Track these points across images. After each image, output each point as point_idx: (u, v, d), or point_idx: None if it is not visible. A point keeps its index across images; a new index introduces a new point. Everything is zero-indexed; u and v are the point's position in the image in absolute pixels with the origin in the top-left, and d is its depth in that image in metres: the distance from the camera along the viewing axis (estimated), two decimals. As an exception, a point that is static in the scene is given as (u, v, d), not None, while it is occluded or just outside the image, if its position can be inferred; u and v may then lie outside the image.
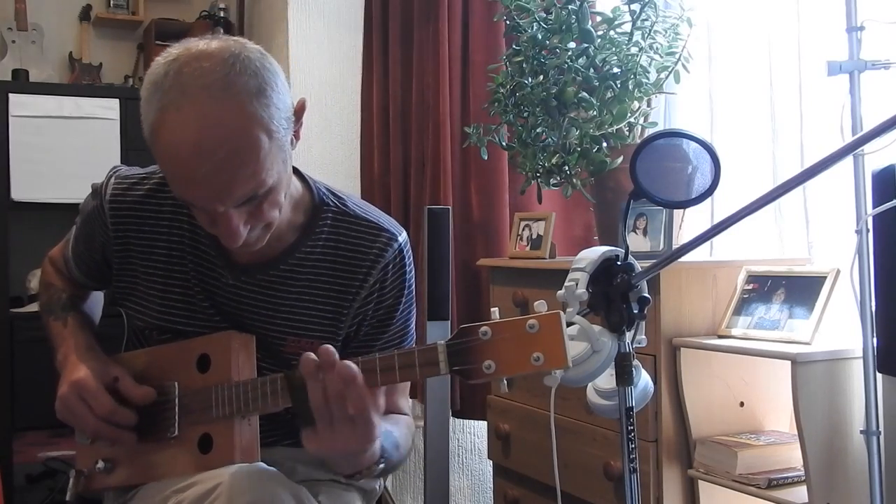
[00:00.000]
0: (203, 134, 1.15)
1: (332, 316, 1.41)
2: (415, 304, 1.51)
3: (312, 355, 1.16)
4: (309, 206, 1.42)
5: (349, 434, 1.16)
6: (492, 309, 1.19)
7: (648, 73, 2.03)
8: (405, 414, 1.51)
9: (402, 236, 1.46)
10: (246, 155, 1.17)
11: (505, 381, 1.17)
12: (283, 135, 1.22)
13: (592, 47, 2.03)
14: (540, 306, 1.13)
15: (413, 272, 1.48)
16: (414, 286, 1.49)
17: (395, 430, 1.40)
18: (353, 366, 1.15)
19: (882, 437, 1.66)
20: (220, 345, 1.35)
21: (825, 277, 1.81)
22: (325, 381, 1.15)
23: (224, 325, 1.39)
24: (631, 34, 2.02)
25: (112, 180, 1.44)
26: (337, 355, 1.16)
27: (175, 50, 1.21)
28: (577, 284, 1.15)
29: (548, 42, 2.07)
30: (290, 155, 1.26)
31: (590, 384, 1.21)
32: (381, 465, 1.27)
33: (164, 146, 1.17)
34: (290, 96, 1.25)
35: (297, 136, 1.27)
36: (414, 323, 1.51)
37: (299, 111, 1.27)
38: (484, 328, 1.14)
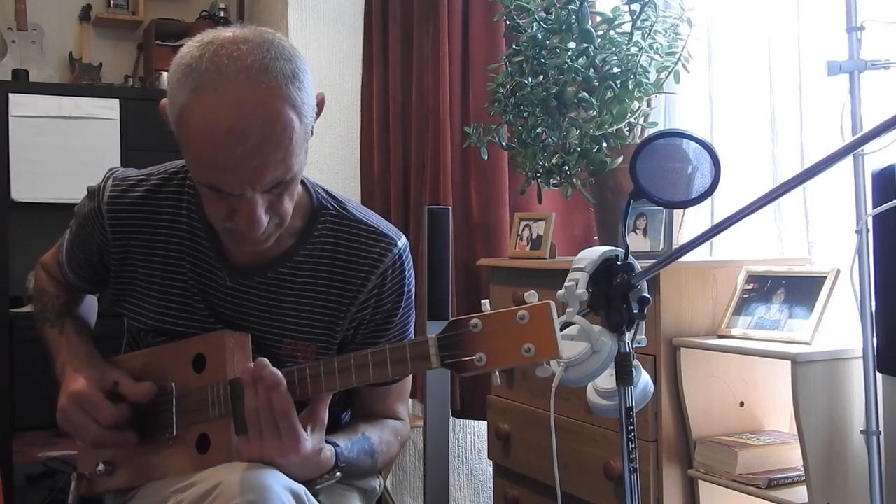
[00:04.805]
0: (241, 115, 1.14)
1: (328, 319, 1.41)
2: (414, 310, 1.50)
3: (253, 366, 1.23)
4: (308, 210, 1.41)
5: (276, 444, 1.21)
6: (482, 301, 1.19)
7: (648, 73, 2.03)
8: (400, 419, 1.51)
9: (402, 242, 1.45)
10: (280, 138, 1.16)
11: (498, 374, 1.17)
12: (309, 122, 1.22)
13: (592, 47, 2.03)
14: (531, 297, 1.13)
15: (413, 278, 1.48)
16: (413, 292, 1.48)
17: (375, 435, 1.42)
18: (278, 373, 1.21)
19: (882, 437, 1.66)
20: (215, 344, 1.35)
21: (825, 277, 1.81)
22: (257, 390, 1.21)
23: (220, 328, 1.38)
24: (631, 34, 2.02)
25: (109, 182, 1.43)
26: (269, 367, 1.22)
27: (207, 35, 1.20)
28: (577, 284, 1.14)
29: (548, 42, 2.07)
30: (308, 146, 1.25)
31: (590, 384, 1.20)
32: (338, 474, 1.30)
33: (198, 127, 1.16)
34: (313, 87, 1.24)
35: (312, 130, 1.26)
36: (413, 329, 1.51)
37: (320, 104, 1.27)
38: (474, 320, 1.14)
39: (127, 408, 1.36)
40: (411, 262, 1.48)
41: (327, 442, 1.29)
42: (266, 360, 1.23)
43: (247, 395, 1.22)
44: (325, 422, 1.27)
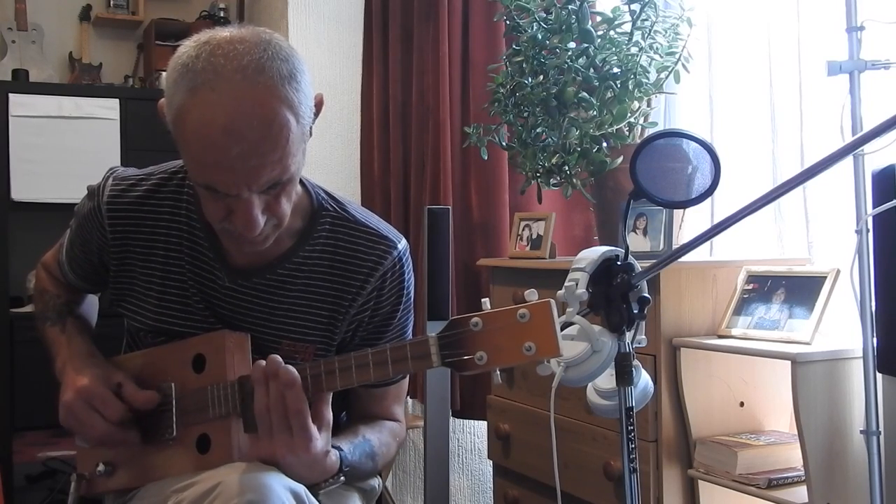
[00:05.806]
0: (237, 115, 1.14)
1: (327, 321, 1.41)
2: (412, 313, 1.50)
3: (264, 363, 1.22)
4: (307, 211, 1.41)
5: (287, 442, 1.21)
6: (482, 300, 1.19)
7: (648, 73, 2.03)
8: (397, 420, 1.51)
9: (402, 244, 1.45)
10: (277, 138, 1.16)
11: (498, 372, 1.17)
12: (307, 123, 1.22)
13: (592, 47, 2.03)
14: (531, 295, 1.13)
15: (412, 281, 1.47)
16: (413, 295, 1.48)
17: (375, 437, 1.42)
18: (294, 371, 1.21)
19: (882, 437, 1.66)
20: (214, 344, 1.35)
21: (825, 277, 1.81)
22: (269, 388, 1.21)
23: (219, 328, 1.38)
24: (631, 34, 2.02)
25: (109, 181, 1.42)
26: (283, 364, 1.21)
27: (204, 35, 1.20)
28: (577, 284, 1.14)
29: (548, 42, 2.07)
30: (306, 147, 1.25)
31: (590, 384, 1.20)
32: (342, 478, 1.30)
33: (195, 127, 1.15)
34: (311, 87, 1.24)
35: (310, 131, 1.26)
36: (411, 331, 1.50)
37: (318, 105, 1.27)
38: (475, 319, 1.14)
39: (129, 408, 1.36)
40: (411, 265, 1.47)
41: (332, 446, 1.29)
42: (279, 358, 1.23)
43: (257, 392, 1.22)
44: (331, 422, 1.27)
